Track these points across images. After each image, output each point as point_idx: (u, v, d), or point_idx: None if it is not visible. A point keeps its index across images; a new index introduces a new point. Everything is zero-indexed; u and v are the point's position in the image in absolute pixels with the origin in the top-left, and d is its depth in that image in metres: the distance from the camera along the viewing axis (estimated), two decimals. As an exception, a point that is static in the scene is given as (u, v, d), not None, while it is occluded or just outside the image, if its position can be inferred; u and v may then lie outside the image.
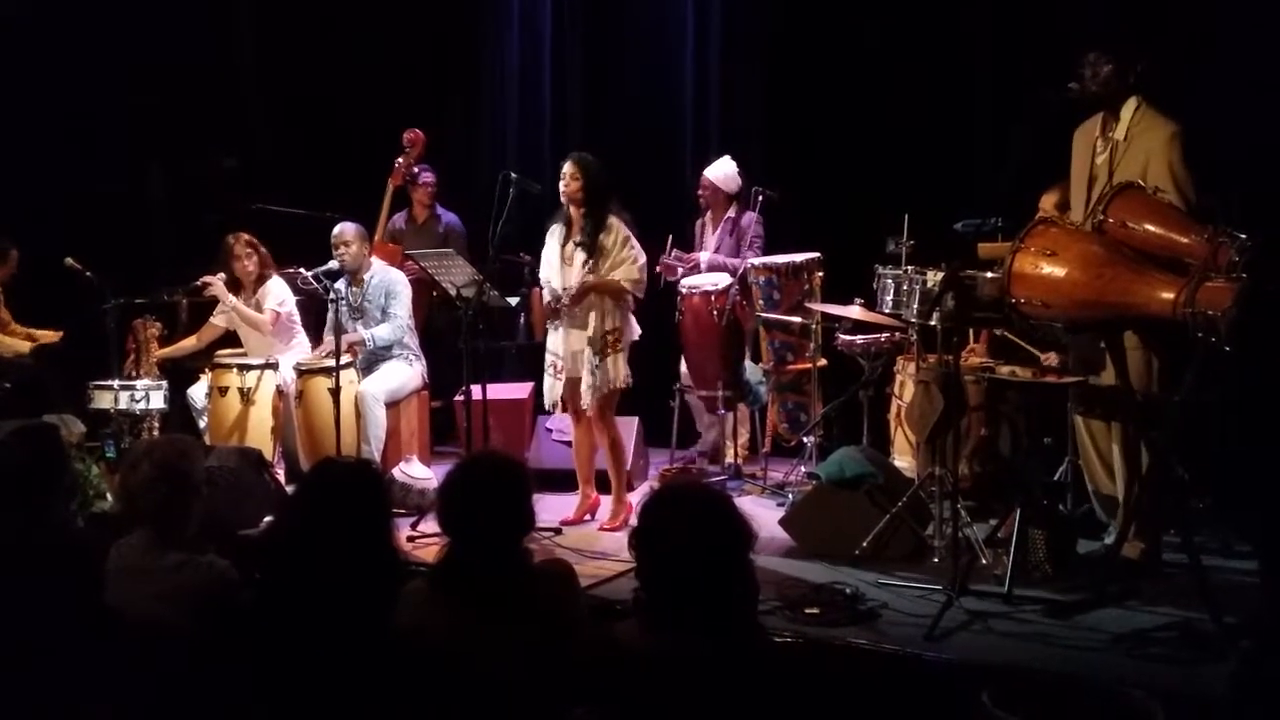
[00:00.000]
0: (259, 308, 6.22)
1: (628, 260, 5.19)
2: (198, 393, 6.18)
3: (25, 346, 6.67)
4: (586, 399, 5.25)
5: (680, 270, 6.26)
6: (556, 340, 5.37)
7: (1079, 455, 4.74)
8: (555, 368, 5.37)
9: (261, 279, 6.26)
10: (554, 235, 5.37)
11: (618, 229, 5.20)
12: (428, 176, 7.04)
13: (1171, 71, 4.95)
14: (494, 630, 2.57)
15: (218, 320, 6.39)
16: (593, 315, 5.22)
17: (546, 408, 5.60)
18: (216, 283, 6.14)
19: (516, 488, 2.79)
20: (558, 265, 5.32)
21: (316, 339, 6.39)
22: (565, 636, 2.59)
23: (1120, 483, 4.42)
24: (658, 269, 6.11)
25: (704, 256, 6.33)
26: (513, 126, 7.91)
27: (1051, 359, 4.90)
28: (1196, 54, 5.53)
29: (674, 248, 6.31)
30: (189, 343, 6.45)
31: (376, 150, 7.20)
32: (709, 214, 6.50)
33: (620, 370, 5.25)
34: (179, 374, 6.40)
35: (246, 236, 6.26)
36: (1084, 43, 4.46)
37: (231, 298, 6.14)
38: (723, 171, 6.38)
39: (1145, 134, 4.32)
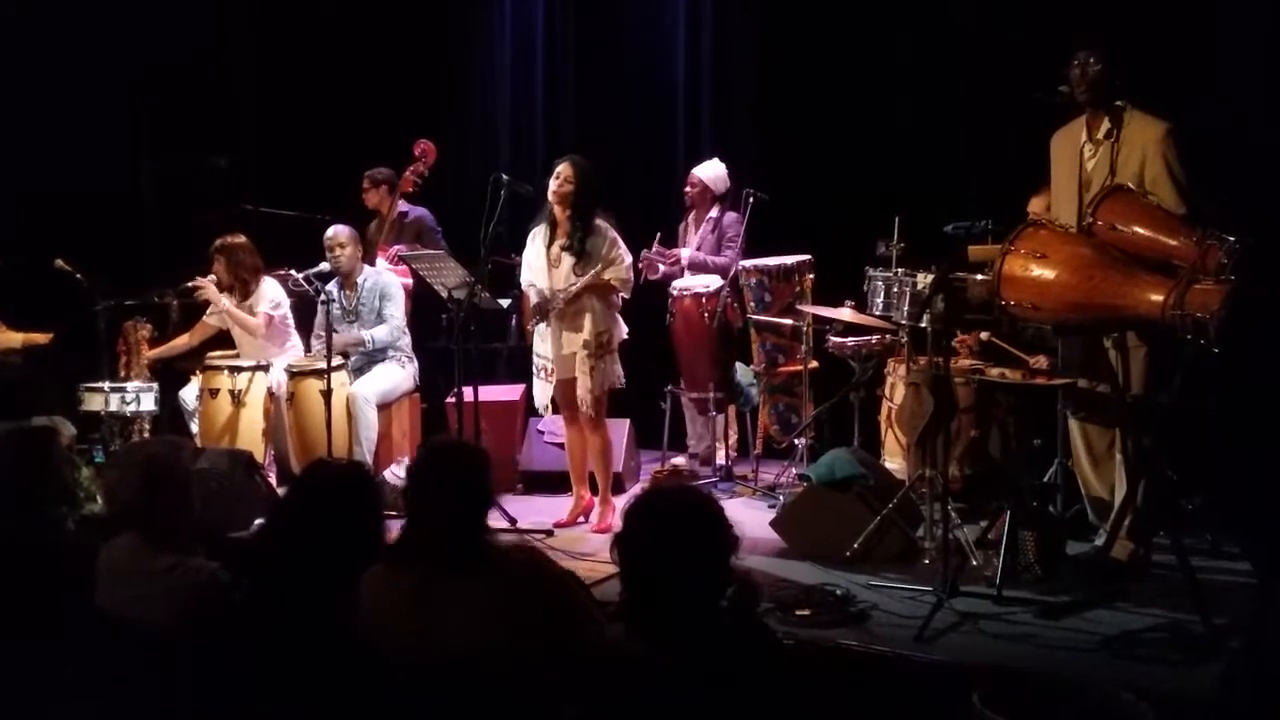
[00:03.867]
0: (252, 310, 6.20)
1: (617, 261, 5.21)
2: (189, 394, 6.16)
3: (17, 341, 6.61)
4: (586, 401, 5.26)
5: (661, 268, 6.26)
6: (543, 344, 5.37)
7: (1070, 457, 4.75)
8: (546, 371, 5.37)
9: (245, 283, 6.22)
10: (537, 237, 5.35)
11: (605, 230, 5.21)
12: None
13: (1159, 72, 4.97)
14: (456, 591, 2.56)
15: (211, 320, 6.37)
16: (585, 318, 5.23)
17: (539, 410, 5.60)
18: (208, 285, 6.11)
19: (474, 469, 2.78)
20: (543, 267, 5.31)
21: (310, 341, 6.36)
22: (536, 602, 2.58)
23: (1120, 486, 4.42)
24: (640, 264, 6.09)
25: (686, 253, 6.34)
26: (504, 128, 7.91)
27: (1040, 362, 4.91)
28: (1185, 55, 5.55)
29: (658, 244, 6.32)
30: (181, 341, 6.42)
31: (368, 151, 7.19)
32: (693, 213, 6.52)
33: (615, 370, 5.29)
34: (170, 375, 6.37)
35: (226, 242, 6.18)
36: (1073, 44, 4.48)
37: (224, 300, 6.11)
38: (713, 172, 6.39)
39: (1139, 134, 4.32)
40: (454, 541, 2.65)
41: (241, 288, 6.21)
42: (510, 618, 2.53)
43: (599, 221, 5.22)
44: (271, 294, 6.22)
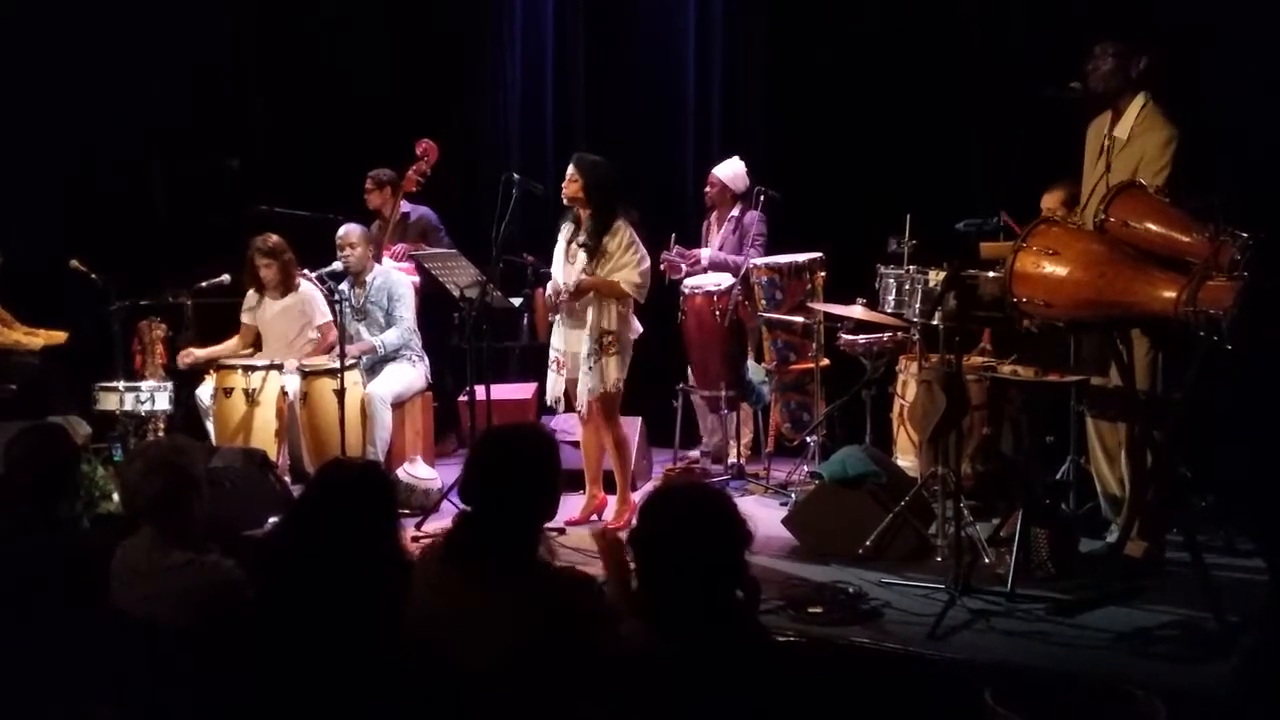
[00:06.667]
0: (305, 316, 6.22)
1: (629, 264, 5.17)
2: (204, 393, 6.18)
3: (37, 343, 6.63)
4: (582, 401, 5.27)
5: (684, 268, 6.27)
6: (559, 337, 5.38)
7: (1084, 454, 4.74)
8: (558, 364, 5.38)
9: (289, 278, 6.23)
10: (563, 232, 5.38)
11: (623, 232, 5.19)
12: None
13: (1176, 67, 4.95)
14: (501, 607, 2.55)
15: (248, 319, 6.38)
16: (591, 316, 5.22)
17: (549, 403, 5.60)
18: (195, 356, 6.22)
19: (548, 463, 2.74)
20: (561, 261, 5.34)
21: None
22: (576, 632, 2.55)
23: (1127, 482, 4.42)
24: (661, 265, 6.12)
25: (706, 253, 6.35)
26: (515, 127, 7.92)
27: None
28: (1198, 51, 5.53)
29: (677, 244, 6.33)
30: (231, 345, 6.35)
31: (380, 152, 7.20)
32: (714, 213, 6.52)
33: (611, 374, 5.21)
34: (185, 374, 6.39)
35: (270, 243, 6.17)
36: (1087, 39, 4.47)
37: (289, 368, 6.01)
38: (732, 170, 6.40)
39: (1145, 135, 4.32)
40: (504, 548, 2.61)
41: (286, 284, 6.23)
42: (538, 637, 2.51)
43: (619, 222, 5.19)
44: (324, 303, 6.23)
